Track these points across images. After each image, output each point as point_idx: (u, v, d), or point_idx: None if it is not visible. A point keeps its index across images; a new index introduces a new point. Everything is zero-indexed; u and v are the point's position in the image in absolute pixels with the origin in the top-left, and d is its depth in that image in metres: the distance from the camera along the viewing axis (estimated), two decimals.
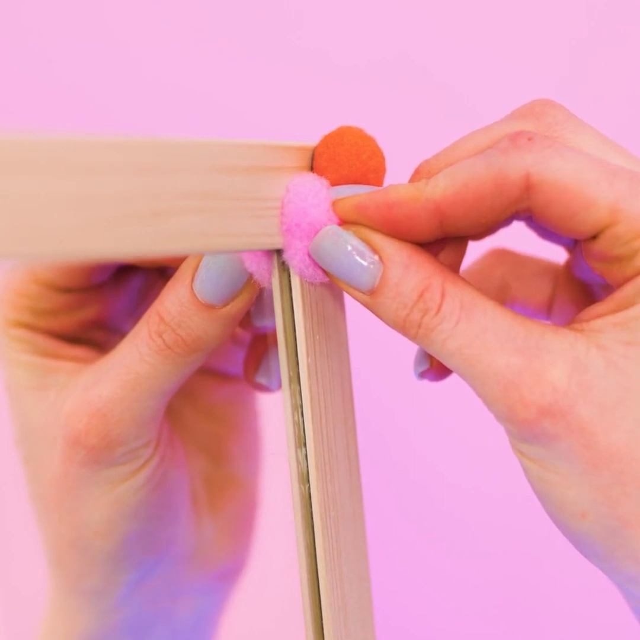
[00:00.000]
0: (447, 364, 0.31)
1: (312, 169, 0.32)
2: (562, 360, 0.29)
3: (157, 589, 0.39)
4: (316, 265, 0.31)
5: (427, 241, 0.31)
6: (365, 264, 0.30)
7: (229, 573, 0.42)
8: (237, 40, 0.67)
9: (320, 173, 0.32)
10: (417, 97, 0.65)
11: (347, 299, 0.33)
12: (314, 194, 0.31)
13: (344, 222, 0.31)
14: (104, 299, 0.38)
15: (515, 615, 0.70)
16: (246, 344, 0.40)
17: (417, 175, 0.33)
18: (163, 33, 0.68)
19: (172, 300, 0.33)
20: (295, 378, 0.32)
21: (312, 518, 0.32)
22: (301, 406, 0.32)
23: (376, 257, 0.30)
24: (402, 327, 0.30)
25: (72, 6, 0.67)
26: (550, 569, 0.69)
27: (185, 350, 0.33)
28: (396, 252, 0.30)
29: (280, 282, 0.32)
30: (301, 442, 0.32)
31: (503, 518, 0.69)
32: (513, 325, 0.30)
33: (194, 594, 0.41)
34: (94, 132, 0.25)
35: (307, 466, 0.32)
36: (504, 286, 0.39)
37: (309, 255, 0.31)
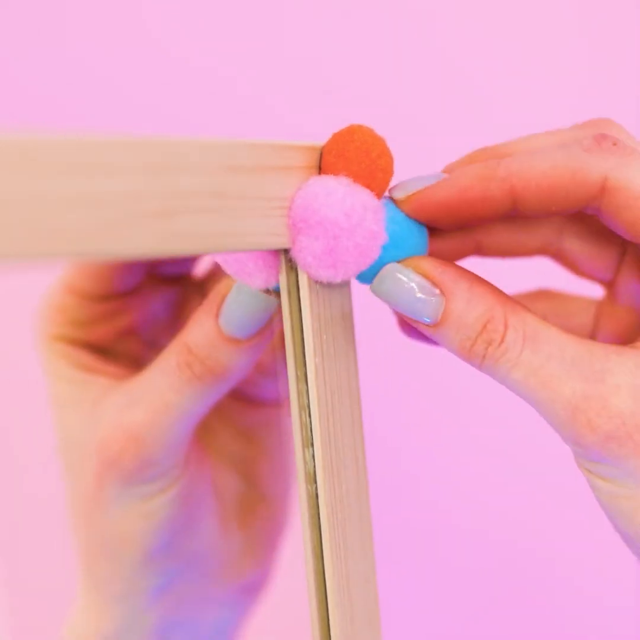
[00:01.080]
0: (513, 391, 0.31)
1: (320, 167, 0.32)
2: (626, 383, 0.30)
3: (181, 597, 0.40)
4: (320, 263, 0.31)
5: (497, 220, 0.32)
6: (427, 299, 0.31)
7: (251, 587, 0.43)
8: (239, 40, 0.67)
9: (329, 170, 0.32)
10: (417, 99, 0.65)
11: (355, 298, 0.33)
12: (326, 193, 0.31)
13: (418, 217, 0.32)
14: (138, 308, 0.40)
15: (520, 620, 0.70)
16: (273, 373, 0.41)
17: (472, 160, 0.33)
18: (164, 30, 0.68)
19: (199, 333, 0.34)
20: (303, 378, 0.32)
21: (319, 518, 0.32)
22: (308, 406, 0.32)
23: (437, 291, 0.31)
24: (467, 358, 0.31)
25: (76, 5, 0.67)
26: (555, 577, 0.69)
27: (213, 380, 0.34)
28: (456, 285, 0.31)
29: (288, 281, 0.32)
30: (308, 443, 0.32)
31: (510, 522, 0.69)
32: (577, 350, 0.30)
33: (217, 605, 0.42)
34: (100, 132, 0.25)
35: (314, 466, 0.32)
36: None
37: (313, 253, 0.31)
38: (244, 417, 0.42)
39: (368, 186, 0.32)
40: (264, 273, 0.32)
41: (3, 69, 0.68)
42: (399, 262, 0.32)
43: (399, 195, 0.32)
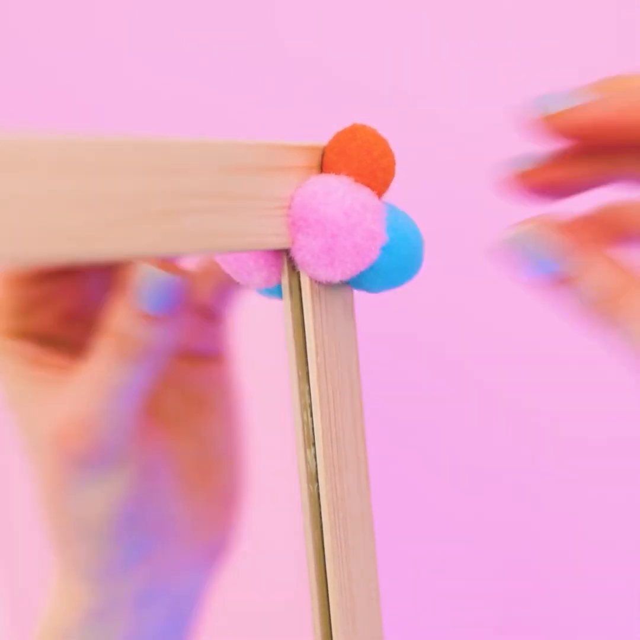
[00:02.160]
0: (623, 344, 0.32)
1: (322, 165, 0.32)
2: None
3: (154, 566, 0.41)
4: (319, 262, 0.31)
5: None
6: (567, 261, 0.32)
7: (219, 549, 0.44)
8: (241, 47, 0.67)
9: (330, 167, 0.32)
10: (413, 109, 0.65)
11: (357, 299, 0.33)
12: (326, 192, 0.31)
13: (562, 137, 0.31)
14: (74, 290, 0.40)
15: (527, 615, 0.70)
16: (216, 318, 0.42)
17: (602, 87, 0.32)
18: (168, 35, 0.67)
19: (122, 314, 0.36)
20: (305, 377, 0.32)
21: (320, 518, 0.32)
22: (310, 406, 0.32)
23: (578, 256, 0.32)
24: (592, 312, 0.32)
25: (78, 8, 0.67)
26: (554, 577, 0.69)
27: (147, 355, 0.36)
28: (596, 257, 0.32)
29: (290, 281, 0.32)
30: (310, 442, 0.32)
31: (511, 522, 0.69)
32: None
33: (187, 570, 0.43)
34: (102, 133, 0.25)
35: (316, 466, 0.32)
36: None
37: (312, 251, 0.31)
38: (189, 377, 0.43)
39: (368, 185, 0.32)
40: (264, 271, 0.32)
41: (4, 69, 0.68)
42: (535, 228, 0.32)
43: (548, 109, 0.31)
